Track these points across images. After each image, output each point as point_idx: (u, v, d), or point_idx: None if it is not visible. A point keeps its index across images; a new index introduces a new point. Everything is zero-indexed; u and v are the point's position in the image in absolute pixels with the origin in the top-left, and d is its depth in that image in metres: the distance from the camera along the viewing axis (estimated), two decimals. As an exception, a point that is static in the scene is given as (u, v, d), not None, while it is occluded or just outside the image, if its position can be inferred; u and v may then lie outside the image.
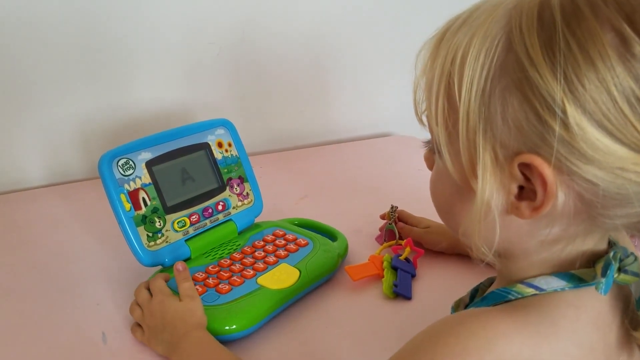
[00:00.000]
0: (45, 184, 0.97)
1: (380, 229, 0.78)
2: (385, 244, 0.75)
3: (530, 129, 0.33)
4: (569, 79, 0.31)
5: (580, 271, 0.38)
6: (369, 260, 0.70)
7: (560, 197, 0.34)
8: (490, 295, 0.41)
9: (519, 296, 0.38)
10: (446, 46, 0.37)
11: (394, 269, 0.68)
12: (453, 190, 0.40)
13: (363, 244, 0.77)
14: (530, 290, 0.38)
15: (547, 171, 0.33)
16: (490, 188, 0.35)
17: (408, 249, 0.72)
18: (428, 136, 0.43)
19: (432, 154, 0.44)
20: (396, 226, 0.77)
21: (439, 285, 0.68)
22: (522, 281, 0.39)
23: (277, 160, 1.10)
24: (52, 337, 0.59)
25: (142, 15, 0.94)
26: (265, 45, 1.07)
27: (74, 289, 0.67)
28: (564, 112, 0.31)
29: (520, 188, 0.36)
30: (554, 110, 0.31)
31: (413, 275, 0.69)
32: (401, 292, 0.65)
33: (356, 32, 1.15)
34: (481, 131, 0.35)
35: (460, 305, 0.49)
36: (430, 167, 0.45)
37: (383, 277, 0.67)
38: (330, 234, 0.75)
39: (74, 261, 0.73)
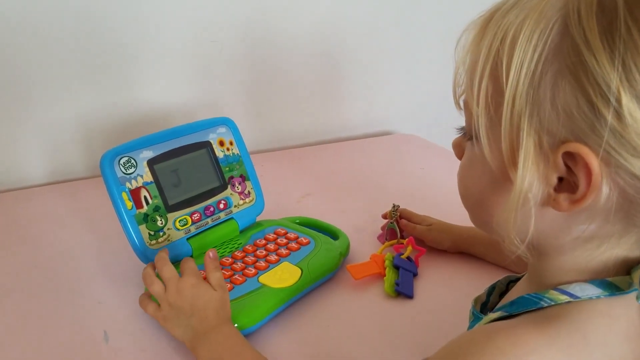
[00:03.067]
0: (47, 182, 0.97)
1: (382, 228, 0.78)
2: (387, 243, 0.75)
3: (581, 116, 0.32)
4: (628, 67, 0.30)
5: (616, 279, 0.36)
6: (370, 259, 0.70)
7: (604, 190, 0.33)
8: (521, 301, 0.39)
9: (552, 303, 0.37)
10: (495, 27, 0.35)
11: (396, 267, 0.68)
12: (487, 178, 0.39)
13: (365, 242, 0.77)
14: (564, 298, 0.37)
15: (594, 162, 0.32)
16: (531, 177, 0.34)
17: (410, 248, 0.71)
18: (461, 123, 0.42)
19: (463, 140, 0.43)
20: (398, 225, 0.76)
21: (441, 284, 0.68)
22: (555, 287, 0.38)
23: (278, 159, 1.10)
24: (53, 336, 0.59)
25: (144, 14, 0.94)
26: (266, 44, 1.07)
27: (76, 287, 0.67)
28: (619, 101, 0.30)
29: (559, 179, 0.34)
30: (608, 98, 0.30)
31: (415, 274, 0.69)
32: (403, 291, 0.65)
33: (359, 31, 1.15)
34: (527, 116, 0.33)
35: (478, 303, 0.49)
36: (459, 155, 0.44)
37: (385, 275, 0.67)
38: (332, 233, 0.75)
39: (75, 259, 0.73)
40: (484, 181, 0.39)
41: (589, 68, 0.31)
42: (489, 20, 0.37)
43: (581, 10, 0.32)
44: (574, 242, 0.37)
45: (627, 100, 0.30)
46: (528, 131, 0.34)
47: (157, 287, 0.57)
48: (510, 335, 0.36)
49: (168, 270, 0.58)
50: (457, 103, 0.41)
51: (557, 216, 0.36)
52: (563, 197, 0.34)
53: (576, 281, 0.37)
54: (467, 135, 0.40)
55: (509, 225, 0.36)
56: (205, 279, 0.58)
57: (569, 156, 0.33)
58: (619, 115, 0.30)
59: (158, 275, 0.58)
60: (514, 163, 0.35)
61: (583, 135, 0.32)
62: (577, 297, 0.36)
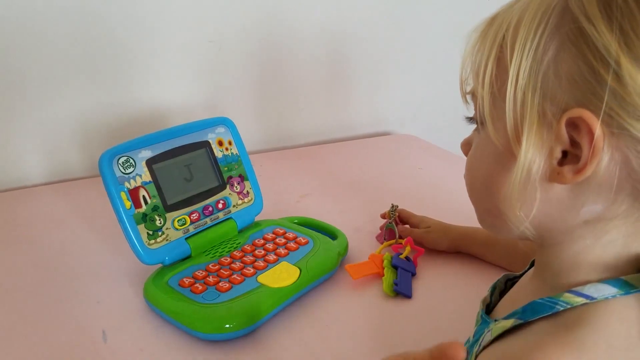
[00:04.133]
0: (45, 182, 0.97)
1: (381, 228, 0.78)
2: (385, 243, 0.75)
3: (582, 82, 0.33)
4: (626, 32, 0.31)
5: (630, 277, 0.36)
6: (369, 259, 0.70)
7: (606, 155, 0.33)
8: (535, 307, 0.38)
9: (568, 307, 0.36)
10: (500, 19, 0.37)
11: (394, 267, 0.68)
12: (492, 159, 0.39)
13: (363, 242, 0.77)
14: (580, 300, 0.36)
15: (595, 124, 0.32)
16: (535, 148, 0.35)
17: (408, 248, 0.72)
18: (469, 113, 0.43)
19: (472, 136, 0.44)
20: (396, 225, 0.76)
21: (439, 284, 0.68)
22: (569, 289, 0.37)
23: (277, 159, 1.10)
24: (52, 335, 0.59)
25: (142, 13, 0.94)
26: (267, 44, 1.07)
27: (74, 287, 0.67)
28: (618, 64, 0.31)
29: (564, 154, 0.35)
30: (607, 62, 0.31)
31: (413, 274, 0.69)
32: (401, 291, 0.65)
33: (359, 32, 1.15)
34: (530, 88, 0.35)
35: (484, 304, 0.49)
36: (467, 152, 0.45)
37: (383, 275, 0.67)
38: (330, 233, 0.75)
39: (74, 259, 0.73)
40: (490, 162, 0.40)
41: (589, 35, 0.32)
42: (493, 19, 0.39)
43: None
44: (582, 227, 0.37)
45: (626, 63, 0.31)
46: (532, 103, 0.35)
47: None
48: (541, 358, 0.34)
49: None
50: (463, 96, 0.42)
51: (562, 195, 0.36)
52: (567, 169, 0.35)
53: (589, 281, 0.37)
54: (475, 122, 0.42)
55: (514, 201, 0.37)
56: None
57: (573, 126, 0.34)
58: (618, 77, 0.31)
59: None
60: (518, 138, 0.36)
61: (585, 100, 0.33)
62: (593, 299, 0.36)
